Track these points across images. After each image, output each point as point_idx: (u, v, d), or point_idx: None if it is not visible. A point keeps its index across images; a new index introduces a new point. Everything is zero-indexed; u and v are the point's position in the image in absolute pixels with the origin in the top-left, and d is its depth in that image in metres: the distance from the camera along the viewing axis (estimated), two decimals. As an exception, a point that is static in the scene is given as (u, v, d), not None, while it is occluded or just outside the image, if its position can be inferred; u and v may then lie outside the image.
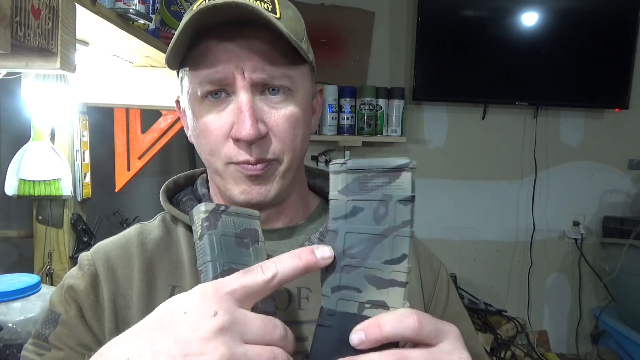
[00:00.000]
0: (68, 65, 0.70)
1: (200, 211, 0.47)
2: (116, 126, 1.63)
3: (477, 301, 2.53)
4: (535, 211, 2.64)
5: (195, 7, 0.58)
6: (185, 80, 0.62)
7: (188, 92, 0.62)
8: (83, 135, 1.40)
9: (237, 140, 0.59)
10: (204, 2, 0.57)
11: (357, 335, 0.39)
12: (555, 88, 2.52)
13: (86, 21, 0.85)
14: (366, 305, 0.41)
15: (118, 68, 1.32)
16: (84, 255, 0.66)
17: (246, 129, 0.57)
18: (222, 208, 0.47)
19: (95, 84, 1.35)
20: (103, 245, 0.67)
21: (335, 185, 0.43)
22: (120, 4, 0.90)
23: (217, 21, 0.56)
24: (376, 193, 0.42)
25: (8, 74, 1.04)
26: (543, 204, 2.66)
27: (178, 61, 0.61)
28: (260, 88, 0.59)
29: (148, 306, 0.61)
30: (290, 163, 0.63)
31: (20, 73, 1.14)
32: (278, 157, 0.61)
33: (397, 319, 0.39)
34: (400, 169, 0.41)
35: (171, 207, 0.69)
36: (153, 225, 0.70)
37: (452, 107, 2.61)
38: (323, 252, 0.42)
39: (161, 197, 0.71)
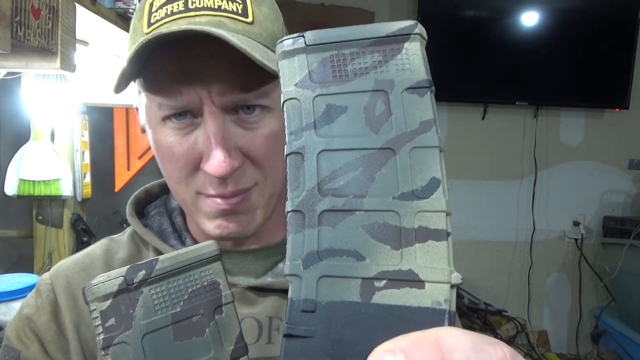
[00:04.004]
0: (68, 65, 0.70)
1: (97, 295, 0.27)
2: (116, 126, 1.63)
3: (477, 301, 2.53)
4: (535, 211, 2.64)
5: (145, 12, 0.50)
6: (143, 96, 0.53)
7: (146, 110, 0.53)
8: (83, 135, 1.40)
9: (208, 174, 0.50)
10: (157, 10, 0.49)
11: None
12: (555, 88, 2.52)
13: (86, 21, 0.85)
14: (377, 284, 0.22)
15: (118, 68, 1.32)
16: (43, 279, 0.59)
17: (217, 165, 0.48)
18: (140, 274, 0.27)
19: (95, 84, 1.35)
20: (64, 266, 0.59)
21: (290, 76, 0.25)
22: (120, 4, 0.90)
23: (176, 37, 0.46)
24: (365, 80, 0.24)
25: (8, 74, 1.04)
26: (543, 204, 2.66)
27: (129, 82, 0.52)
28: (233, 111, 0.50)
29: None
30: (274, 187, 0.54)
31: (20, 73, 1.14)
32: (258, 182, 0.53)
33: (475, 343, 0.20)
34: (400, 37, 0.25)
35: (137, 223, 0.60)
36: (121, 242, 0.61)
37: (452, 107, 2.61)
38: None
39: (127, 209, 0.62)
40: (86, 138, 1.41)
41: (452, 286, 0.22)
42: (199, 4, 0.48)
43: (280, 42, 0.26)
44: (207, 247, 0.29)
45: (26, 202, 1.40)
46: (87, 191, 1.41)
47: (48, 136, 1.31)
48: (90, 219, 1.46)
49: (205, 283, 0.28)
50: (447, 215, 0.23)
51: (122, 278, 0.27)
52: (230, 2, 0.48)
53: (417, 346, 0.19)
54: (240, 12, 0.48)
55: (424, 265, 0.22)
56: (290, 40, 0.26)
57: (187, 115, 0.50)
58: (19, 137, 1.33)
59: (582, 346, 2.67)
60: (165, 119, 0.51)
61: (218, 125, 0.49)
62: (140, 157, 1.64)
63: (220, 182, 0.50)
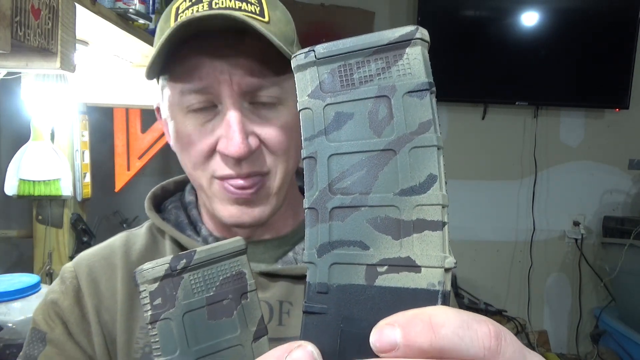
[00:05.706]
0: (68, 65, 0.70)
1: (147, 278, 0.32)
2: (116, 126, 1.63)
3: (477, 301, 2.53)
4: (535, 211, 2.64)
5: (172, 14, 0.55)
6: (167, 89, 0.58)
7: (170, 102, 0.58)
8: (83, 135, 1.40)
9: (225, 156, 0.55)
10: (184, 12, 0.54)
11: (388, 334, 0.23)
12: (555, 88, 2.52)
13: (86, 21, 0.85)
14: (379, 269, 0.26)
15: (118, 68, 1.32)
16: (67, 267, 0.63)
17: (236, 146, 0.52)
18: (182, 262, 0.32)
19: (95, 84, 1.35)
20: (86, 255, 0.64)
21: (304, 87, 0.29)
22: (120, 4, 0.90)
23: (201, 30, 0.52)
24: (369, 87, 0.27)
25: (8, 74, 1.04)
26: (543, 204, 2.66)
27: (157, 72, 0.57)
28: (250, 99, 0.55)
29: (130, 326, 0.58)
30: (283, 178, 0.58)
31: (20, 73, 1.14)
32: (271, 169, 0.57)
33: (463, 320, 0.23)
34: (401, 43, 0.27)
35: (154, 216, 0.65)
36: (139, 234, 0.67)
37: (452, 107, 2.61)
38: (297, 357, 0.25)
39: (146, 204, 0.67)
40: (86, 138, 1.41)
41: (446, 270, 0.25)
42: (222, 4, 0.53)
43: (294, 56, 0.29)
44: (235, 242, 0.34)
45: (26, 202, 1.40)
46: (87, 191, 1.41)
47: (48, 136, 1.31)
48: (90, 219, 1.46)
49: (234, 272, 0.33)
50: (443, 207, 0.25)
51: (168, 265, 0.32)
52: (249, 4, 0.54)
53: (413, 322, 0.23)
54: (258, 13, 0.54)
55: (420, 252, 0.25)
56: (303, 55, 0.29)
57: (208, 108, 0.55)
58: (19, 137, 1.33)
59: (582, 346, 2.67)
60: (188, 112, 0.56)
61: (237, 110, 0.54)
62: (140, 157, 1.63)
63: (236, 162, 0.54)
